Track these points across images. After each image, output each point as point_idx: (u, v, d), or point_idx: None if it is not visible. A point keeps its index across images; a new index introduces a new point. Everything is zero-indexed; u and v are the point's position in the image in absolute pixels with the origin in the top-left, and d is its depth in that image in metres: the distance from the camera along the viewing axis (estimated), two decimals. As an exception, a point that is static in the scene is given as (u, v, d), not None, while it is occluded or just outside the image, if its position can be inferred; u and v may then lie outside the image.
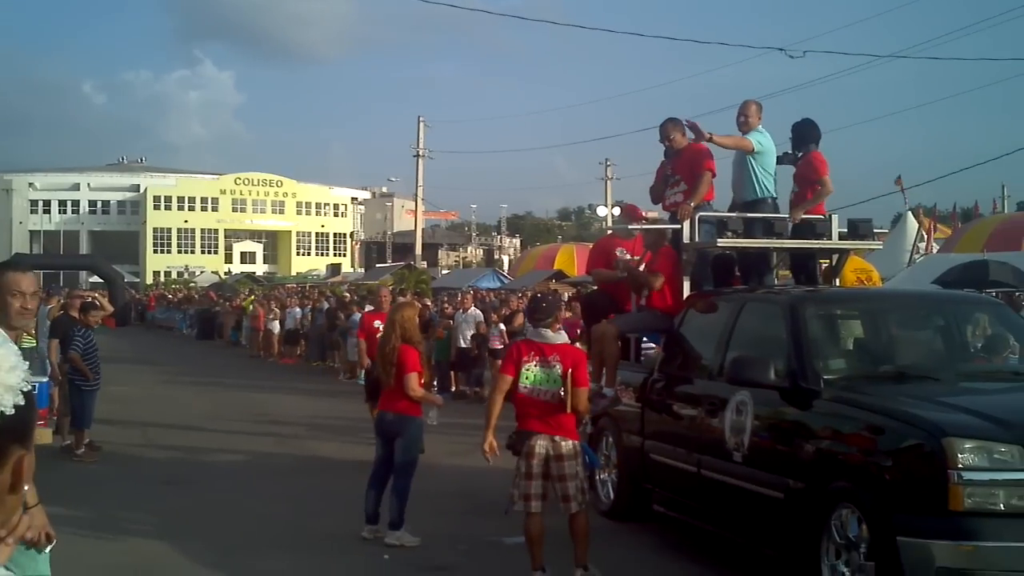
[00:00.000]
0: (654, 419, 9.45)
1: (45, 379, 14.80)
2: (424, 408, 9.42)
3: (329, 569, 8.61)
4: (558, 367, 7.60)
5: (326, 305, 30.62)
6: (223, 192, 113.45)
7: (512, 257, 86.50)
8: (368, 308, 20.56)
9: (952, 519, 6.12)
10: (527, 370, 7.67)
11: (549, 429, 7.62)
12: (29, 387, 1.85)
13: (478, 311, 22.06)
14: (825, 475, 7.00)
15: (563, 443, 7.61)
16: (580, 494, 7.66)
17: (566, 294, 24.58)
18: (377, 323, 12.82)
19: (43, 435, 14.47)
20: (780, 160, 10.76)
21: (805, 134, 10.72)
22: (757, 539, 8.02)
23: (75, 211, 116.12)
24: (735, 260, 10.72)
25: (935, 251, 28.92)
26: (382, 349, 9.41)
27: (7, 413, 1.78)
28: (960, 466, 6.13)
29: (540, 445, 7.58)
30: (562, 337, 7.89)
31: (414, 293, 34.24)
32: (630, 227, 10.99)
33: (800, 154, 10.69)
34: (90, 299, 16.43)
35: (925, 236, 30.04)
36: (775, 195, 10.54)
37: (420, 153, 58.72)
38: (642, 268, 10.42)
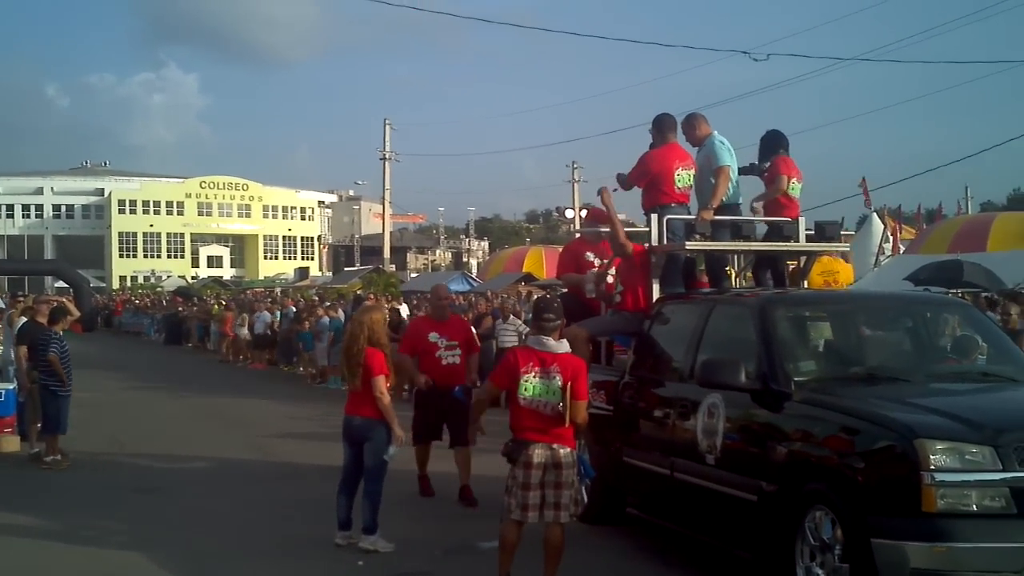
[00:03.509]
0: (626, 422, 9.44)
1: (11, 386, 14.68)
2: (384, 441, 9.12)
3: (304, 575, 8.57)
4: (558, 379, 7.39)
5: (293, 309, 30.51)
6: (188, 196, 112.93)
7: (480, 260, 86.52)
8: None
9: (925, 520, 6.15)
10: (526, 381, 7.45)
11: (547, 438, 7.45)
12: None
13: (448, 315, 21.95)
14: (798, 477, 7.02)
15: (561, 451, 7.44)
16: (573, 504, 7.50)
17: (535, 296, 24.58)
18: (434, 336, 11.27)
19: (10, 443, 14.36)
20: (744, 171, 10.81)
21: (773, 144, 10.78)
22: (731, 542, 8.02)
23: (39, 215, 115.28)
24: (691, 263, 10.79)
25: (901, 252, 29.16)
26: (348, 351, 9.33)
27: None
28: (932, 467, 6.16)
29: (539, 454, 7.41)
30: (564, 347, 7.64)
31: (385, 296, 34.17)
32: (599, 231, 11.00)
33: (767, 164, 10.77)
34: (57, 304, 16.30)
35: (891, 237, 30.31)
36: (740, 201, 10.59)
37: (387, 156, 58.63)
38: (612, 271, 10.42)
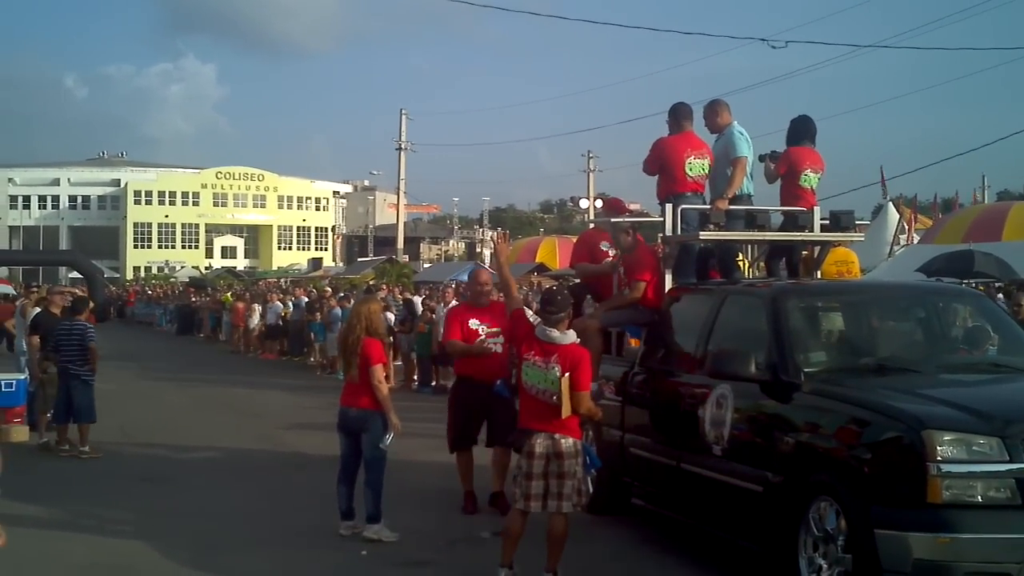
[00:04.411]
0: (634, 413, 9.42)
1: (23, 376, 14.71)
2: (381, 431, 9.07)
3: (309, 565, 8.56)
4: (556, 369, 7.36)
5: (304, 300, 30.56)
6: (204, 186, 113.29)
7: (494, 250, 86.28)
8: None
9: (930, 511, 6.11)
10: (526, 366, 7.51)
11: (549, 427, 7.43)
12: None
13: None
14: (804, 468, 6.98)
15: (563, 441, 7.43)
16: (576, 494, 7.48)
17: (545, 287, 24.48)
18: (474, 322, 10.26)
19: (19, 433, 14.38)
20: (763, 158, 10.73)
21: (799, 133, 10.67)
22: (736, 532, 7.99)
23: (55, 206, 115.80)
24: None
25: (916, 242, 29.06)
26: (345, 341, 9.29)
27: None
28: (939, 458, 6.13)
29: (540, 444, 7.41)
30: (569, 338, 7.58)
31: (397, 286, 34.16)
32: (612, 220, 10.93)
33: (779, 153, 10.69)
34: (79, 295, 16.38)
35: (906, 227, 30.20)
36: (751, 193, 10.51)
37: (402, 146, 58.65)
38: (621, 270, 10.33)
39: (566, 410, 7.36)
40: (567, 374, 7.34)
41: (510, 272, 9.57)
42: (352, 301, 26.38)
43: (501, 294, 10.09)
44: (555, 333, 7.54)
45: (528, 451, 7.43)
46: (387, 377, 9.48)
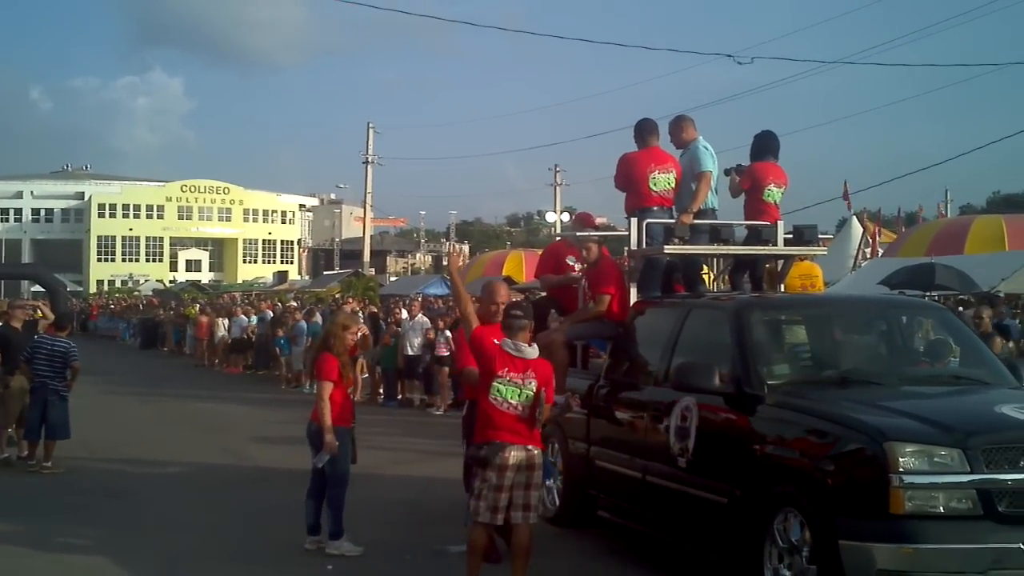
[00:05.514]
0: (600, 425, 9.44)
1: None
2: (342, 448, 9.01)
3: (273, 580, 8.52)
4: (532, 383, 7.40)
5: (269, 313, 30.42)
6: (169, 199, 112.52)
7: (460, 263, 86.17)
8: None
9: (893, 522, 6.17)
10: (499, 383, 7.45)
11: (522, 439, 7.43)
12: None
13: (426, 318, 22.00)
14: (768, 480, 7.02)
15: (534, 452, 7.46)
16: (541, 505, 7.51)
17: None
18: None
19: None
20: (730, 171, 10.79)
21: (762, 148, 10.75)
22: (701, 544, 8.02)
23: (18, 219, 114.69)
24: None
25: (880, 255, 29.31)
26: (310, 356, 9.34)
27: None
28: (901, 470, 6.18)
29: (514, 456, 7.39)
30: (535, 351, 7.63)
31: (362, 300, 34.11)
32: (579, 234, 10.95)
33: (743, 168, 10.76)
34: (33, 309, 16.20)
35: (870, 241, 30.47)
36: (716, 207, 10.57)
37: (369, 159, 58.59)
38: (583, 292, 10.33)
39: (540, 423, 7.40)
40: (543, 389, 7.39)
41: (463, 286, 9.45)
42: (317, 315, 26.40)
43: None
44: (526, 347, 7.55)
45: (501, 464, 7.39)
46: (353, 391, 9.42)
